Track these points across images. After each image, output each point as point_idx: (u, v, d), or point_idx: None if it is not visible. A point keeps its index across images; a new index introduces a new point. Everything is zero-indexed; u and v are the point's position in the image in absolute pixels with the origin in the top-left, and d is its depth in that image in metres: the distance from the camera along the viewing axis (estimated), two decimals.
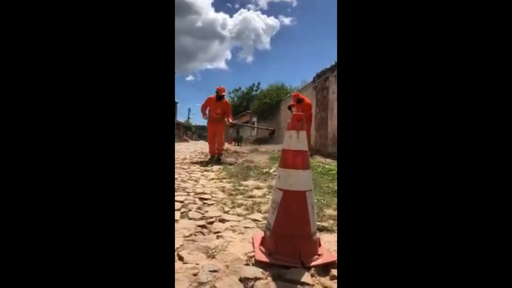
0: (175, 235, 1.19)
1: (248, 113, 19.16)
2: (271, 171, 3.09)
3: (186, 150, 6.81)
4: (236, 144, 11.74)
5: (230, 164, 3.74)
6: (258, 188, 2.24)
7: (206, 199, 1.84)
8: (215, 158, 4.36)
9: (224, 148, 4.62)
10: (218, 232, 1.25)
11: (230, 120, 4.50)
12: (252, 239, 1.16)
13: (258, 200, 1.82)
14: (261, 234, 1.19)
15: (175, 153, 5.74)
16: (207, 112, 4.38)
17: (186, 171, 3.11)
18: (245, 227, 1.32)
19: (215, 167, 3.55)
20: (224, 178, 2.67)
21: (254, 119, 16.91)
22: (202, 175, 2.88)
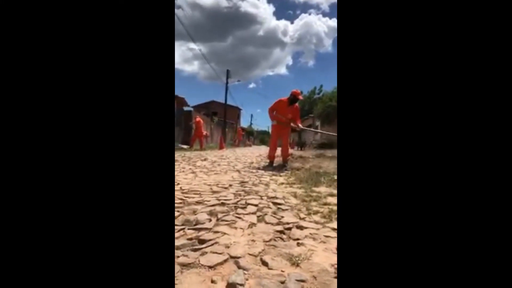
0: (255, 239, 1.19)
1: (310, 117, 18.73)
2: None
3: (251, 154, 7.01)
4: (299, 148, 11.55)
5: (298, 169, 3.66)
6: (332, 195, 2.11)
7: (280, 204, 1.82)
8: (274, 164, 4.18)
9: (290, 153, 4.50)
10: (298, 239, 1.20)
11: (300, 125, 4.25)
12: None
13: (334, 208, 1.71)
14: None
15: (242, 157, 5.95)
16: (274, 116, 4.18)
17: (255, 175, 3.17)
18: (326, 236, 1.24)
19: (283, 172, 3.52)
20: (294, 184, 2.62)
21: (318, 123, 16.42)
22: (271, 179, 2.89)
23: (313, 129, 7.21)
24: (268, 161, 4.39)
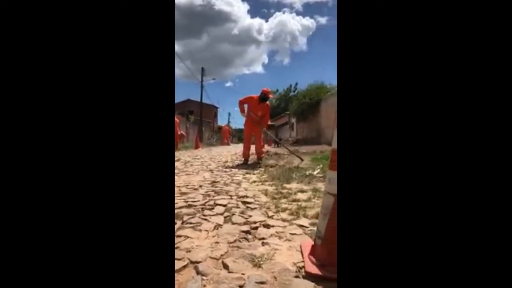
0: (219, 241, 1.16)
1: (286, 114, 18.96)
2: (315, 173, 2.94)
3: (227, 153, 6.92)
4: (276, 145, 11.63)
5: (272, 167, 3.67)
6: (302, 191, 2.13)
7: (249, 202, 1.79)
8: (248, 162, 4.19)
9: (264, 151, 4.47)
10: (263, 238, 1.18)
11: (265, 129, 4.28)
12: (301, 247, 1.07)
13: (303, 204, 1.72)
14: (310, 242, 1.09)
15: (217, 156, 5.87)
16: (245, 110, 4.18)
17: (228, 174, 3.12)
18: (292, 234, 1.24)
19: (257, 170, 3.51)
20: (266, 181, 2.61)
21: (293, 120, 16.66)
22: (244, 178, 2.86)
23: (274, 137, 7.29)
24: (243, 160, 4.36)
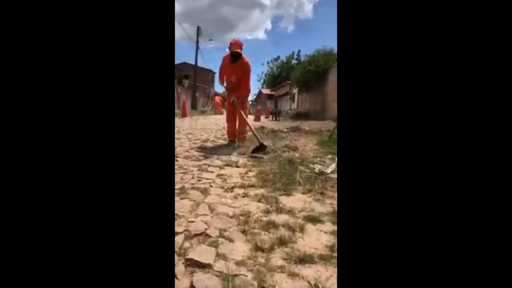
0: None
1: (288, 83, 17.52)
2: (329, 171, 1.95)
3: (214, 127, 5.69)
4: (274, 118, 10.54)
5: (265, 153, 2.65)
6: (313, 218, 1.15)
7: (203, 266, 0.81)
8: (236, 145, 3.04)
9: (248, 133, 3.19)
10: None
11: (235, 99, 2.98)
12: None
13: (323, 275, 0.75)
14: None
15: (199, 130, 4.81)
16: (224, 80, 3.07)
17: (198, 166, 2.09)
18: None
19: (244, 158, 2.49)
20: (253, 186, 1.61)
21: (295, 91, 15.35)
22: (220, 175, 1.85)
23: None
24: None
